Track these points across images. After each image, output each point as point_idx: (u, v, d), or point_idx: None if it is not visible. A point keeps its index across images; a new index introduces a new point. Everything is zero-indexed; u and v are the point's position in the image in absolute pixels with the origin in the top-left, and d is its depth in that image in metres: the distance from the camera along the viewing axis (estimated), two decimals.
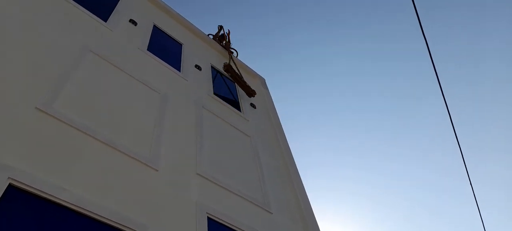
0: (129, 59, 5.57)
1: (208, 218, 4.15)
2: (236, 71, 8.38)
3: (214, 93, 7.06)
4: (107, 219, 3.16)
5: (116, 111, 4.41)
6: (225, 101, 7.17)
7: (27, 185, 2.86)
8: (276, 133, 7.54)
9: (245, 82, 8.13)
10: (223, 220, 4.28)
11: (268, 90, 9.53)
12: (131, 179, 3.76)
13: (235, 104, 7.51)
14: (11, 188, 2.79)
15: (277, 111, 8.62)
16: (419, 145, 19.24)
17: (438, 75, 4.87)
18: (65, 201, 2.99)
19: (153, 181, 3.99)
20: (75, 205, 3.03)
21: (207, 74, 7.54)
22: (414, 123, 19.24)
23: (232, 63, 8.82)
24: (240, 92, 8.14)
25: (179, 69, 6.69)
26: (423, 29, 4.37)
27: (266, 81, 10.05)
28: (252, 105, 8.03)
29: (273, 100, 9.12)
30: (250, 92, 7.98)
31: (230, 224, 4.32)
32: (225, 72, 8.26)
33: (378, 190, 20.17)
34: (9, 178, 2.80)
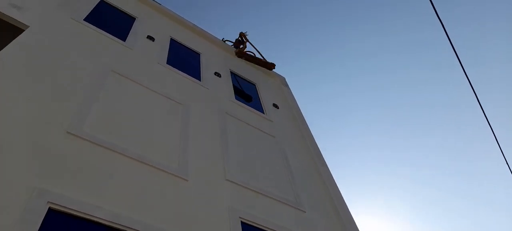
0: (150, 74, 5.69)
1: (242, 223, 4.16)
2: (249, 53, 8.46)
3: (236, 98, 7.08)
4: None
5: (142, 127, 4.50)
6: (247, 104, 7.18)
7: (66, 207, 2.96)
8: (301, 130, 7.46)
9: (261, 58, 8.15)
10: (257, 223, 4.27)
11: (289, 88, 9.46)
12: (162, 191, 3.83)
13: (258, 106, 7.50)
14: (51, 212, 2.90)
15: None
16: (443, 137, 18.52)
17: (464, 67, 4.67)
18: (102, 219, 3.08)
19: (184, 191, 4.04)
20: (111, 222, 3.11)
21: (227, 80, 7.59)
22: (437, 115, 18.57)
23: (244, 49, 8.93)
24: (262, 93, 8.13)
25: (199, 79, 6.77)
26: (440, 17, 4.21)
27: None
28: (275, 105, 7.99)
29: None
30: (269, 66, 8.03)
31: (264, 226, 4.31)
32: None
33: (409, 182, 19.56)
34: (48, 202, 2.91)
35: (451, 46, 4.71)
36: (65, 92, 4.13)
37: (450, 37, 4.46)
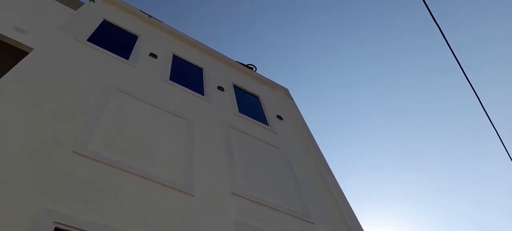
0: (153, 91, 5.73)
1: None
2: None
3: (240, 112, 7.10)
4: None
5: (146, 144, 4.51)
6: (251, 117, 7.18)
7: (72, 227, 2.96)
8: (306, 141, 7.43)
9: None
10: None
11: (293, 100, 9.47)
12: (168, 207, 3.81)
13: (262, 118, 7.50)
14: None
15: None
16: (453, 140, 18.37)
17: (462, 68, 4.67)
18: None
19: (190, 206, 4.02)
20: None
21: (230, 94, 7.61)
22: (445, 118, 18.46)
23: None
24: (265, 106, 8.13)
25: (202, 93, 6.80)
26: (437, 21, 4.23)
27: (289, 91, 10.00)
28: (279, 117, 7.99)
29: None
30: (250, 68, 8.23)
31: None
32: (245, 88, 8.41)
33: (418, 188, 19.33)
34: (54, 222, 2.90)
35: (450, 50, 4.70)
36: (69, 112, 4.17)
37: (448, 40, 4.46)
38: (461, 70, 4.73)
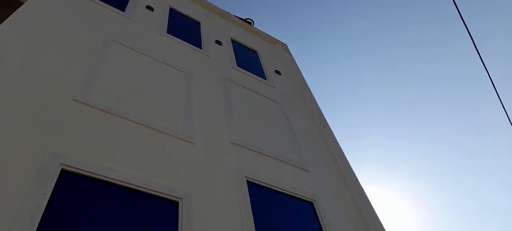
0: (151, 43, 5.71)
1: (248, 182, 4.30)
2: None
3: (238, 66, 7.11)
4: (154, 191, 3.37)
5: (146, 94, 4.58)
6: (249, 71, 7.21)
7: (78, 168, 3.09)
8: (303, 95, 7.52)
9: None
10: (262, 182, 4.42)
11: (291, 54, 9.44)
12: (170, 154, 3.95)
13: (260, 73, 7.53)
14: (64, 173, 3.03)
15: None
16: (451, 108, 18.45)
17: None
18: (114, 179, 3.21)
19: (191, 154, 4.17)
20: (123, 182, 3.24)
21: (228, 48, 7.58)
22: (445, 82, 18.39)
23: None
24: (264, 60, 8.13)
25: (200, 47, 6.78)
26: None
27: (287, 46, 9.94)
28: (277, 72, 8.02)
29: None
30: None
31: (269, 184, 4.46)
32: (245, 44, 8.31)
33: (409, 154, 19.68)
34: (61, 164, 3.03)
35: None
36: (68, 63, 4.19)
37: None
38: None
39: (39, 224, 2.58)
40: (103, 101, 3.99)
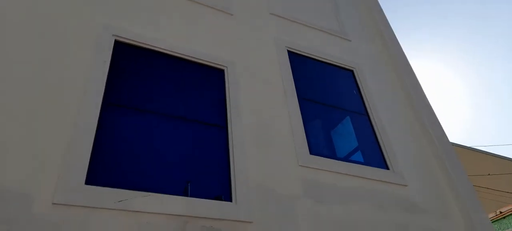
0: None
1: (289, 51, 4.36)
2: None
3: None
4: (201, 59, 3.57)
5: None
6: None
7: (129, 39, 3.31)
8: None
9: None
10: (303, 51, 4.46)
11: None
12: (211, 24, 4.03)
13: None
14: (117, 44, 3.25)
15: None
16: None
17: None
18: (163, 49, 3.42)
19: (231, 25, 4.22)
20: (171, 51, 3.45)
21: None
22: None
23: None
24: None
25: None
26: None
27: None
28: None
29: None
30: None
31: (310, 53, 4.50)
32: None
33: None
34: (113, 35, 3.24)
35: None
36: None
37: None
38: None
39: (104, 88, 2.90)
40: None
